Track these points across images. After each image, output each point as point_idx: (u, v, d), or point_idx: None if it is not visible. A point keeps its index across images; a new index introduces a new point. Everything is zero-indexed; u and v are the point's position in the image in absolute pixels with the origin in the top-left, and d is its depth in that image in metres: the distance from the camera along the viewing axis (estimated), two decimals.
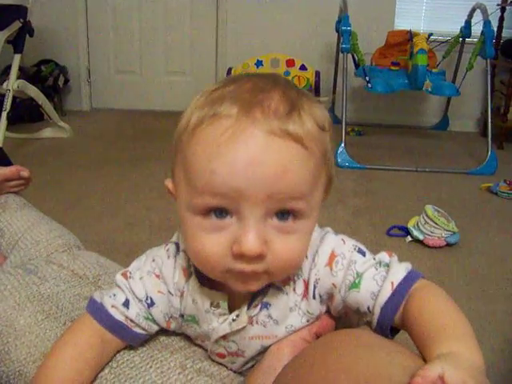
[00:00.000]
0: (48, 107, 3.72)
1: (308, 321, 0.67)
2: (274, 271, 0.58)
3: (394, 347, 0.54)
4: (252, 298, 0.66)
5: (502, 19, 4.22)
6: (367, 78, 3.60)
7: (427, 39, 3.71)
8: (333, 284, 0.64)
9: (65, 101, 4.73)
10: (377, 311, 0.60)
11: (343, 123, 3.46)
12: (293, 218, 0.58)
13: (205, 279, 0.66)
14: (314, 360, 0.56)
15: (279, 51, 4.14)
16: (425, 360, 0.51)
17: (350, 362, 0.52)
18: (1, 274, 0.87)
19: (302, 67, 4.09)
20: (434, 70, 3.68)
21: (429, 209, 2.30)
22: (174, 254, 0.70)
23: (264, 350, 0.68)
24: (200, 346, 0.74)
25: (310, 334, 0.66)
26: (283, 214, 0.57)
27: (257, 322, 0.66)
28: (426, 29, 4.38)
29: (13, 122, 3.57)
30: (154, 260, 0.70)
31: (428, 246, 2.26)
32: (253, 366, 0.71)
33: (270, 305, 0.65)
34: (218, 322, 0.67)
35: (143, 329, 0.69)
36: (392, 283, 0.60)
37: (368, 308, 0.61)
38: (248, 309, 0.66)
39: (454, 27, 4.05)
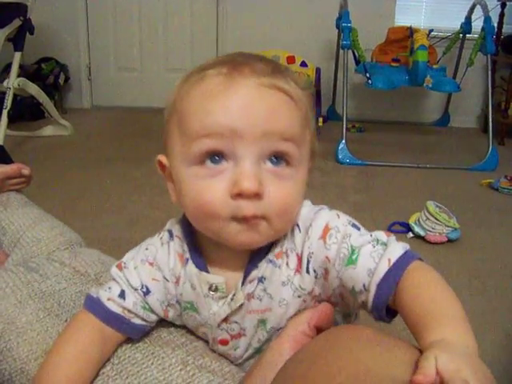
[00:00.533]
0: (49, 105, 3.72)
1: (299, 296, 0.66)
2: (272, 216, 0.60)
3: (394, 342, 0.54)
4: (245, 275, 0.66)
5: (502, 15, 4.21)
6: (368, 75, 3.60)
7: (428, 35, 3.71)
8: (326, 257, 0.63)
9: (65, 99, 4.73)
10: (372, 288, 0.59)
11: (344, 120, 3.46)
12: (285, 163, 0.61)
13: (202, 264, 0.67)
14: (314, 356, 0.56)
15: (279, 48, 4.13)
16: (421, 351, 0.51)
17: (350, 358, 0.52)
18: (2, 271, 0.87)
19: (303, 64, 4.09)
20: (434, 66, 3.68)
21: (430, 205, 2.30)
22: (168, 240, 0.71)
23: (261, 325, 0.68)
24: (201, 339, 0.74)
25: (310, 328, 0.65)
26: (276, 158, 0.61)
27: (253, 297, 0.66)
28: (426, 25, 4.37)
29: (13, 120, 3.57)
30: (147, 249, 0.71)
31: (429, 242, 2.26)
32: (253, 356, 0.71)
33: (264, 279, 0.66)
34: (217, 306, 0.67)
35: (142, 318, 0.70)
36: (389, 260, 0.59)
37: (364, 285, 0.60)
38: (243, 285, 0.66)
39: (455, 23, 4.05)
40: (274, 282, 0.66)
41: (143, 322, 0.70)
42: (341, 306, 0.69)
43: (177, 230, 0.71)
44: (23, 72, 4.01)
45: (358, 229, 0.65)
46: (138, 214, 2.47)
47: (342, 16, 3.59)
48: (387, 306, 0.59)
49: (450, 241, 2.28)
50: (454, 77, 4.11)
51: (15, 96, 3.46)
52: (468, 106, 4.58)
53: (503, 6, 4.17)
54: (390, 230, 2.37)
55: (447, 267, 2.08)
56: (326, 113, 4.48)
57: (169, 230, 0.73)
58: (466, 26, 3.94)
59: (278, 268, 0.66)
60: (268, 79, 0.60)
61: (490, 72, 3.54)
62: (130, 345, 0.71)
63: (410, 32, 3.73)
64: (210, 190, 0.60)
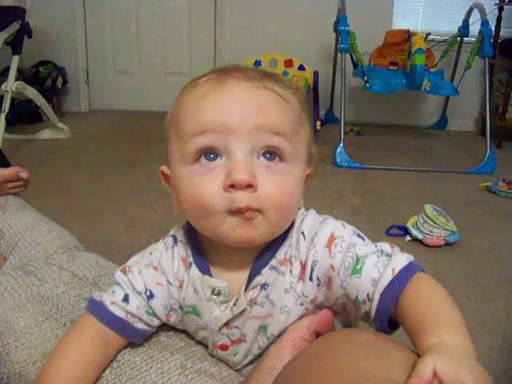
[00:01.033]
0: (47, 108, 3.73)
1: (302, 304, 0.67)
2: (267, 209, 0.61)
3: (391, 345, 0.54)
4: (249, 280, 0.66)
5: (499, 19, 4.22)
6: (365, 78, 3.61)
7: (425, 39, 3.72)
8: (331, 266, 0.63)
9: (63, 102, 4.73)
10: (376, 298, 0.59)
11: (342, 123, 3.46)
12: (279, 159, 0.63)
13: (205, 268, 0.68)
14: (311, 361, 0.56)
15: (277, 51, 4.14)
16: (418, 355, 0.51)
17: (347, 362, 0.52)
18: (0, 275, 0.87)
19: (301, 67, 4.10)
20: (432, 70, 3.69)
21: (428, 208, 2.31)
22: (172, 245, 0.72)
23: (261, 331, 0.68)
24: (201, 343, 0.74)
25: (309, 333, 0.66)
26: (269, 153, 0.62)
27: (255, 303, 0.67)
28: (423, 28, 4.39)
29: (11, 123, 3.58)
30: (151, 253, 0.72)
31: (427, 246, 2.27)
32: (252, 361, 0.71)
33: (267, 285, 0.66)
34: (219, 310, 0.68)
35: (145, 323, 0.70)
36: (393, 269, 0.60)
37: (367, 295, 0.60)
38: (245, 291, 0.66)
39: (452, 27, 4.06)
40: (276, 289, 0.66)
41: (146, 327, 0.70)
42: (342, 317, 0.69)
43: (181, 236, 0.72)
44: (21, 75, 4.01)
45: (363, 239, 0.66)
46: (135, 218, 2.47)
47: (340, 19, 3.59)
48: (389, 318, 0.59)
49: (447, 244, 2.29)
50: (452, 80, 4.12)
51: (13, 99, 3.47)
52: (466, 109, 4.59)
53: (500, 9, 4.18)
54: (387, 233, 2.38)
55: (445, 270, 2.09)
56: (324, 116, 4.48)
57: (173, 235, 0.73)
58: (464, 29, 3.95)
59: (281, 275, 0.66)
60: (258, 82, 0.63)
61: (487, 75, 3.54)
62: (128, 349, 0.71)
63: (408, 35, 3.74)
64: (204, 185, 0.61)
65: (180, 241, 0.71)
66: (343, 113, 3.48)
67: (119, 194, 2.79)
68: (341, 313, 0.68)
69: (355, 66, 3.87)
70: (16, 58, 3.44)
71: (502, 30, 4.27)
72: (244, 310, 0.67)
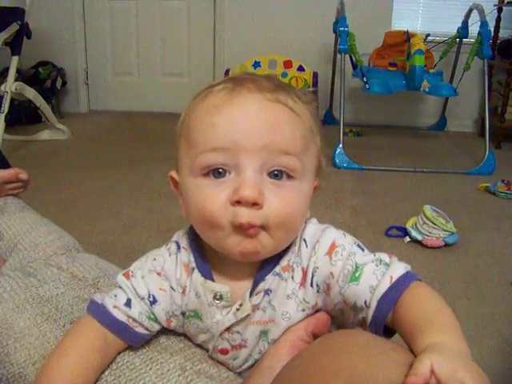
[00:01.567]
0: (46, 109, 3.73)
1: (303, 310, 0.68)
2: (272, 226, 0.61)
3: (389, 345, 0.54)
4: (253, 286, 0.67)
5: (498, 19, 4.23)
6: (365, 79, 3.61)
7: (424, 40, 3.72)
8: (331, 273, 0.65)
9: (63, 103, 4.73)
10: (373, 304, 0.61)
11: (341, 124, 3.47)
12: (287, 177, 0.63)
13: (207, 272, 0.68)
14: (309, 361, 0.56)
15: (277, 52, 4.15)
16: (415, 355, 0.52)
17: (345, 362, 0.52)
18: (0, 276, 0.87)
19: (300, 68, 4.10)
20: (431, 71, 3.69)
21: (427, 209, 2.31)
22: (175, 251, 0.72)
23: (262, 336, 0.69)
24: (200, 347, 0.74)
25: (307, 334, 0.67)
26: (278, 173, 0.62)
27: (258, 309, 0.67)
28: (423, 29, 4.39)
29: (11, 124, 3.57)
30: (155, 259, 0.72)
31: (426, 247, 2.27)
32: (252, 365, 0.71)
33: (270, 291, 0.67)
34: (221, 315, 0.68)
35: (145, 328, 0.70)
36: (391, 277, 0.62)
37: (365, 302, 0.62)
38: (250, 296, 0.67)
39: (451, 28, 4.06)
40: (279, 295, 0.67)
41: (146, 332, 0.70)
42: (339, 321, 0.70)
43: (183, 242, 0.72)
44: (20, 76, 4.01)
45: (363, 249, 0.67)
46: (134, 219, 2.47)
47: (339, 20, 3.60)
48: (385, 326, 0.61)
49: (447, 245, 2.28)
50: (451, 81, 4.12)
51: (12, 100, 3.47)
52: (465, 110, 4.59)
53: (500, 10, 4.19)
54: (387, 234, 2.38)
55: (444, 271, 2.09)
56: (324, 117, 4.48)
57: (176, 241, 0.73)
58: (463, 30, 3.95)
59: (284, 281, 0.67)
60: (271, 94, 0.63)
61: (486, 76, 3.55)
62: (128, 350, 0.71)
63: (407, 36, 3.74)
64: (211, 198, 0.61)
65: (183, 247, 0.71)
66: (342, 113, 3.48)
67: (119, 195, 2.79)
68: (339, 318, 0.69)
69: (354, 66, 3.87)
70: (15, 59, 3.44)
71: (501, 30, 4.27)
72: (247, 315, 0.67)
